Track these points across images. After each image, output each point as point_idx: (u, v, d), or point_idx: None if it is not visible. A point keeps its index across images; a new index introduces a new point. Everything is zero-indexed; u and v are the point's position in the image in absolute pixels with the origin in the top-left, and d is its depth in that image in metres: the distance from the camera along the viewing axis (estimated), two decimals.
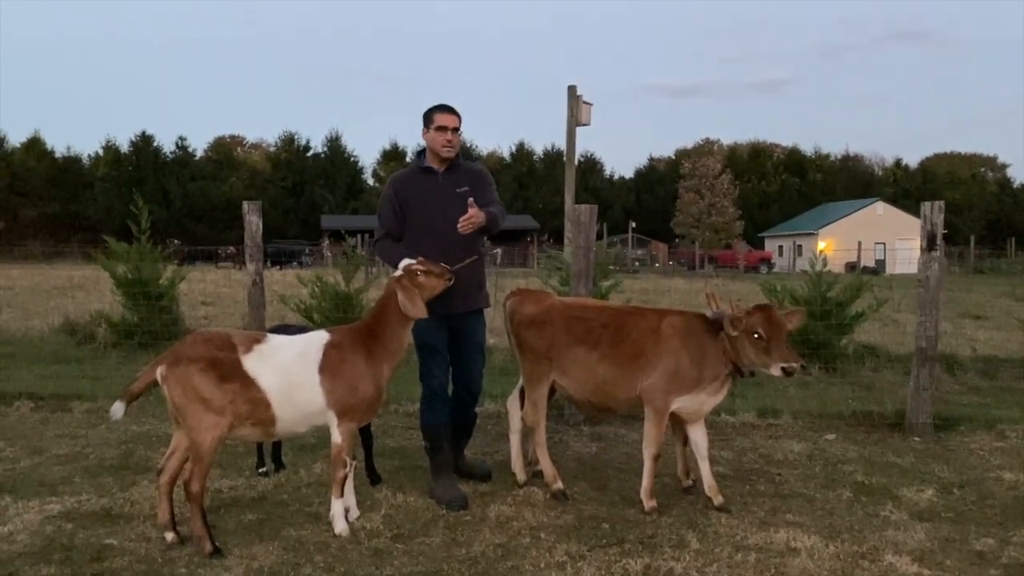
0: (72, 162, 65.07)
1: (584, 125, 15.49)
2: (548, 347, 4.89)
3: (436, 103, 4.95)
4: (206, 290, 19.91)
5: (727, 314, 4.50)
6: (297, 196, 64.74)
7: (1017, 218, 69.04)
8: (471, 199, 4.79)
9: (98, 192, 61.47)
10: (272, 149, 72.21)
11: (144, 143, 64.92)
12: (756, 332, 4.41)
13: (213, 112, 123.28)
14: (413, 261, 4.44)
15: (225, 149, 72.68)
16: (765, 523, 4.46)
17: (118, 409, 4.06)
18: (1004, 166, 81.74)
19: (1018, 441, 6.30)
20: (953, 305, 16.37)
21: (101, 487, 4.99)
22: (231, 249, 47.82)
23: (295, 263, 40.59)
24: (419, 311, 4.30)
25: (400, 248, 4.84)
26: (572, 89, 15.34)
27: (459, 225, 4.72)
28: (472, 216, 4.72)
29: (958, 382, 8.85)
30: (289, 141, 69.10)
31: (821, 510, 4.72)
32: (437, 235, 4.83)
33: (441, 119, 4.86)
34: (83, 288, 19.83)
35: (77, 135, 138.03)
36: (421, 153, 5.05)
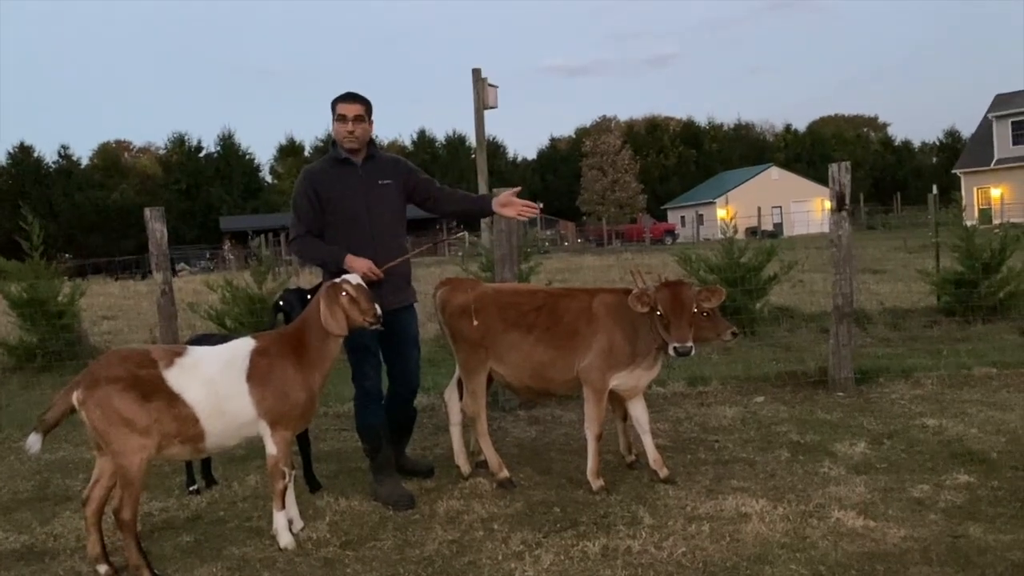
0: None
1: (491, 108, 15.38)
2: (483, 335, 4.81)
3: (342, 92, 4.69)
4: (105, 303, 19.05)
5: (633, 291, 4.48)
6: (192, 199, 62.53)
7: (900, 174, 72.59)
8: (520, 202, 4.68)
9: None
10: (162, 152, 69.48)
11: (23, 154, 61.46)
12: (658, 309, 4.41)
13: (95, 118, 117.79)
14: (351, 279, 4.17)
15: (111, 155, 69.65)
16: (712, 491, 4.51)
17: (34, 441, 3.77)
18: (885, 125, 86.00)
19: (934, 388, 6.58)
20: (854, 262, 17.04)
21: (18, 523, 4.66)
22: (127, 259, 46.09)
23: (181, 266, 39.30)
24: (339, 328, 4.07)
25: (327, 246, 4.62)
26: (477, 72, 15.20)
27: (520, 214, 4.69)
28: (530, 205, 4.68)
29: (870, 335, 9.20)
30: (179, 143, 66.56)
31: (763, 472, 4.80)
32: (363, 230, 4.63)
33: (341, 108, 4.61)
34: None
35: None
36: (335, 144, 4.79)
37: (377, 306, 4.11)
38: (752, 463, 5.00)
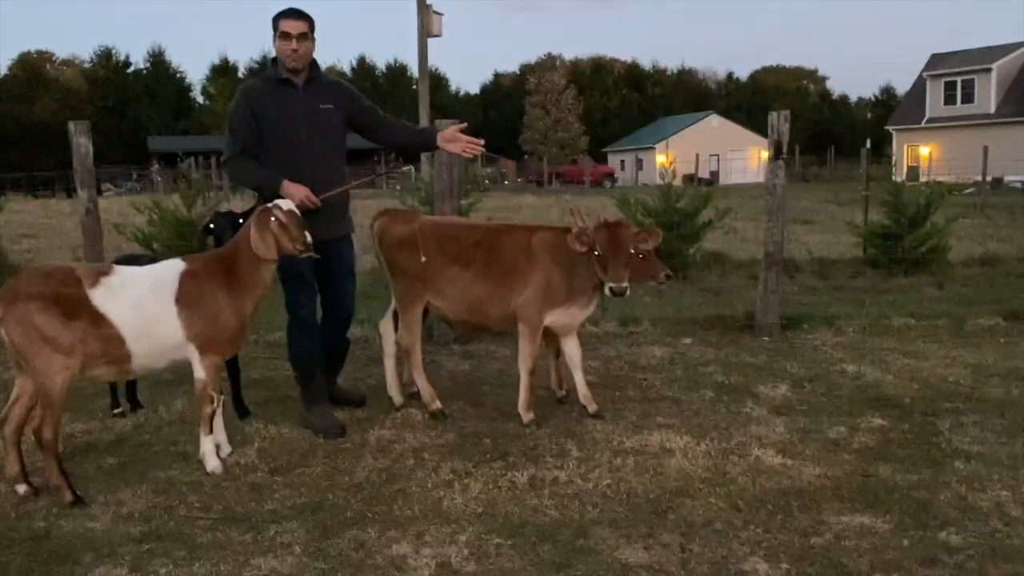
0: None
1: (436, 36, 15.05)
2: (421, 268, 4.78)
3: (284, 7, 4.47)
4: (24, 221, 18.32)
5: (573, 230, 4.50)
6: (120, 117, 60.04)
7: (836, 128, 73.91)
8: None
9: None
10: (87, 66, 66.25)
11: None
12: (596, 249, 4.44)
13: (15, 26, 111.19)
14: (283, 204, 4.04)
15: (32, 66, 66.10)
16: (638, 427, 4.63)
17: None
18: (824, 79, 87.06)
19: (855, 336, 6.82)
20: (787, 211, 17.41)
21: None
22: (47, 175, 44.20)
23: (107, 187, 37.91)
24: (268, 253, 3.98)
25: (263, 170, 4.46)
26: None
27: (465, 151, 4.64)
28: (475, 142, 4.62)
29: (797, 284, 9.46)
30: (106, 56, 63.57)
31: (688, 411, 4.94)
32: (300, 153, 4.49)
33: (285, 25, 4.39)
34: None
35: None
36: (275, 62, 4.59)
37: (308, 234, 4.01)
38: (678, 401, 5.13)
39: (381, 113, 4.85)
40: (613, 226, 4.50)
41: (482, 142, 4.72)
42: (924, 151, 42.86)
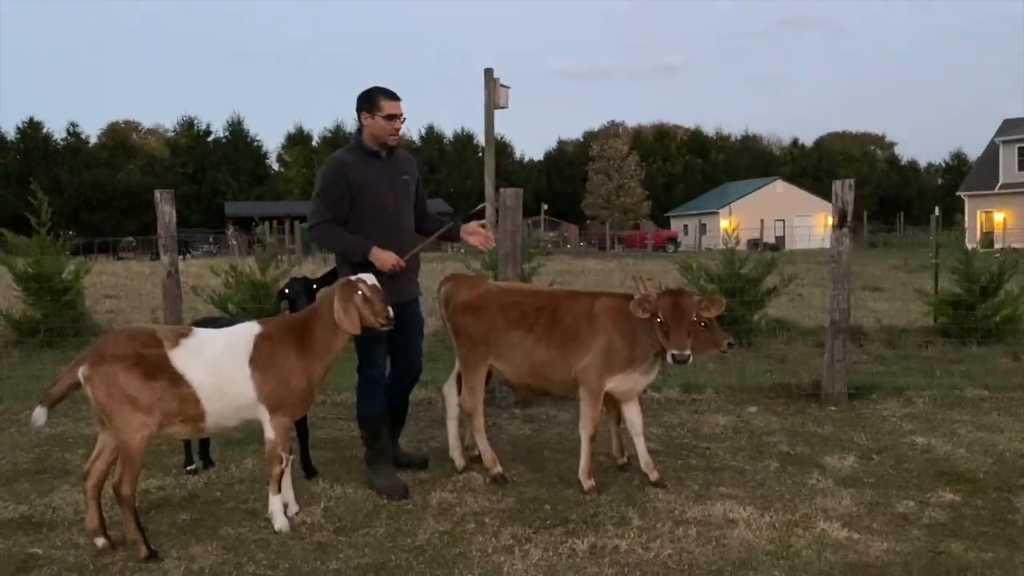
0: None
1: (502, 108, 15.42)
2: (485, 332, 4.89)
3: (374, 86, 4.77)
4: (108, 283, 19.13)
5: (635, 296, 4.55)
6: (199, 183, 62.60)
7: (905, 194, 72.65)
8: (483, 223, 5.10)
9: None
10: (171, 134, 69.54)
11: (32, 130, 61.46)
12: (658, 316, 4.47)
13: (106, 97, 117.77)
14: (366, 279, 4.23)
15: (120, 135, 69.66)
16: (701, 496, 4.59)
17: (40, 415, 3.85)
18: (892, 144, 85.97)
19: (925, 407, 6.65)
20: (853, 278, 17.14)
21: (18, 494, 4.73)
22: (131, 240, 46.14)
23: (188, 253, 39.27)
24: (352, 326, 4.15)
25: (353, 236, 4.65)
26: (489, 72, 15.23)
27: (483, 243, 5.02)
28: (490, 238, 5.10)
29: (865, 352, 9.27)
30: (188, 126, 66.66)
31: (752, 481, 4.88)
32: (388, 221, 4.75)
33: (390, 107, 4.70)
34: None
35: None
36: (358, 133, 4.84)
37: (390, 308, 4.20)
38: (742, 471, 5.07)
39: (424, 196, 5.15)
40: (675, 293, 4.54)
41: (494, 238, 5.20)
42: (998, 217, 41.79)
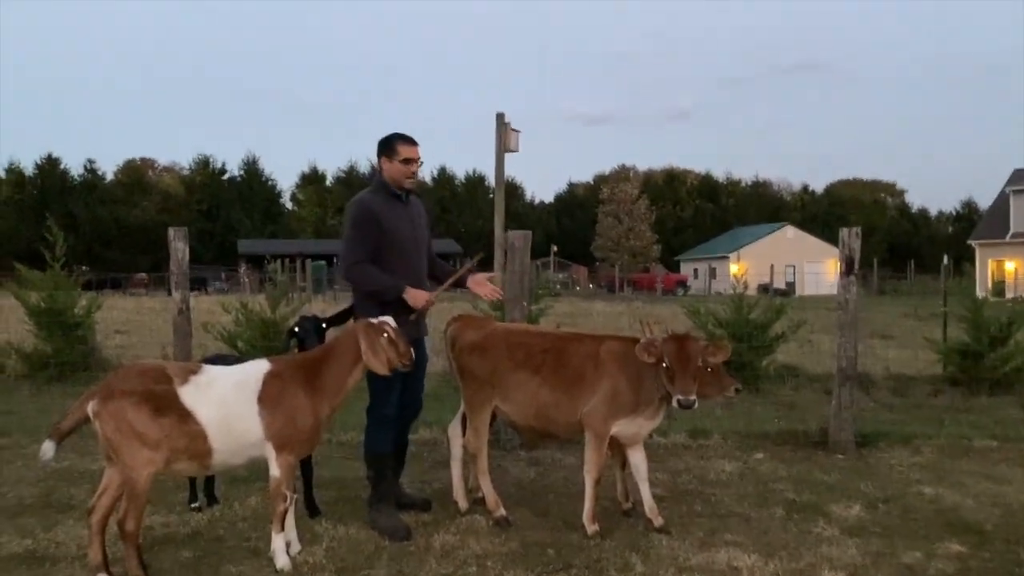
0: None
1: (512, 152, 15.63)
2: (490, 373, 4.91)
3: (394, 132, 4.96)
4: (119, 318, 19.24)
5: (641, 340, 4.58)
6: (213, 220, 63.21)
7: (915, 242, 72.61)
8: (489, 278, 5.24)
9: (1, 216, 58.65)
10: (186, 172, 70.39)
11: (50, 166, 62.38)
12: (664, 360, 4.49)
13: (123, 134, 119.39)
14: (390, 321, 4.33)
15: (136, 172, 70.55)
16: (705, 543, 4.56)
17: (48, 448, 3.89)
18: (902, 192, 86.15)
19: (933, 456, 6.60)
20: (862, 325, 17.04)
21: (22, 528, 4.75)
22: (143, 275, 46.49)
23: (200, 289, 39.42)
24: (381, 367, 4.24)
25: (386, 276, 4.77)
26: (500, 116, 15.50)
27: (489, 294, 5.13)
28: (497, 291, 5.23)
29: (873, 399, 9.23)
30: (204, 164, 67.50)
31: (757, 528, 4.84)
32: (410, 261, 4.91)
33: (407, 151, 4.87)
34: None
35: None
36: (378, 174, 5.01)
37: (412, 349, 4.32)
38: (747, 518, 5.04)
39: (431, 239, 5.31)
40: (681, 338, 4.57)
41: (501, 291, 5.29)
42: (1010, 266, 41.67)
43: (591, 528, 4.68)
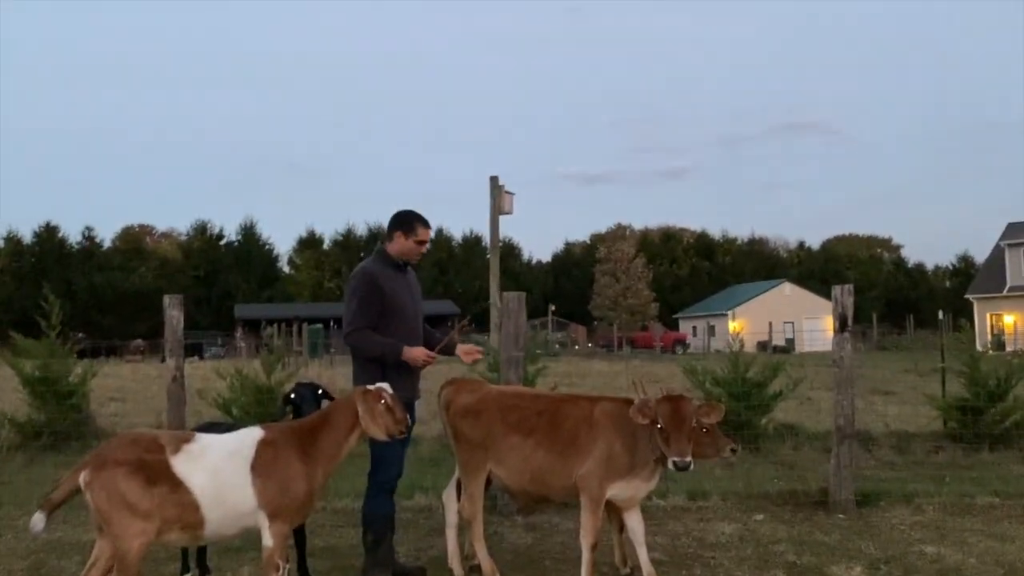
0: None
1: (507, 214, 15.83)
2: (484, 436, 4.89)
3: (413, 211, 5.20)
4: (114, 385, 19.17)
5: (635, 402, 4.58)
6: (210, 285, 63.38)
7: (913, 296, 72.79)
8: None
9: None
10: (184, 238, 70.84)
11: (48, 234, 62.84)
12: (658, 421, 4.48)
13: (121, 200, 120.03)
14: (386, 387, 4.36)
15: (134, 238, 70.99)
16: None
17: (38, 520, 3.85)
18: (898, 247, 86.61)
19: (935, 514, 6.53)
20: (862, 382, 16.99)
21: None
22: (139, 342, 46.43)
23: (197, 356, 39.29)
24: (380, 433, 4.24)
25: (385, 339, 4.93)
26: (494, 180, 15.75)
27: (470, 359, 5.27)
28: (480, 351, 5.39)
29: (873, 457, 9.16)
30: (202, 230, 67.99)
31: None
32: (409, 325, 5.10)
33: (424, 234, 5.20)
34: None
35: None
36: (383, 247, 5.20)
37: (408, 416, 4.39)
38: None
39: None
40: (675, 399, 4.56)
41: (481, 352, 5.47)
42: (1008, 320, 41.76)
43: None
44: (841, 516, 6.49)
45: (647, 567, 4.80)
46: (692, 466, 4.43)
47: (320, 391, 5.03)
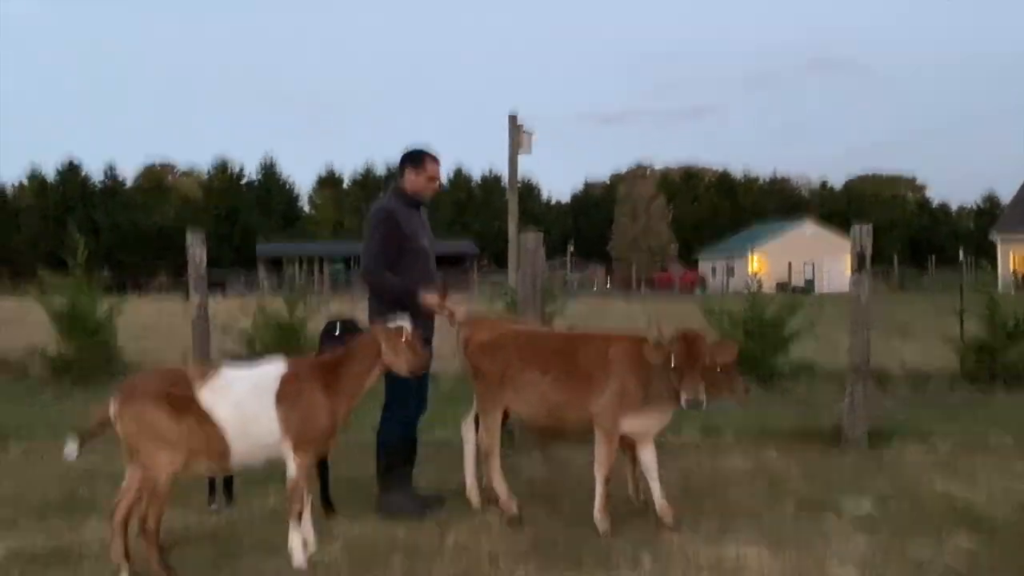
0: None
1: (525, 153, 15.73)
2: (502, 372, 4.99)
3: (421, 148, 5.22)
4: (140, 321, 19.46)
5: (649, 341, 4.63)
6: (231, 224, 63.75)
7: (936, 236, 71.95)
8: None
9: (23, 223, 59.46)
10: (205, 176, 70.98)
11: (71, 172, 63.25)
12: (672, 360, 4.54)
13: (143, 139, 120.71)
14: (407, 326, 4.44)
15: (156, 177, 71.30)
16: (715, 539, 4.61)
17: (72, 449, 4.01)
18: (923, 187, 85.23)
19: (947, 452, 6.60)
20: (880, 322, 16.96)
21: (48, 527, 4.88)
22: (163, 279, 47.00)
23: (220, 294, 39.61)
24: (403, 369, 4.38)
25: (402, 281, 5.01)
26: (513, 119, 15.60)
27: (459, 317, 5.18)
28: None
29: (889, 396, 9.21)
30: (222, 168, 68.12)
31: (767, 524, 4.88)
32: (427, 264, 5.20)
33: (433, 169, 5.22)
34: (10, 322, 19.14)
35: (0, 164, 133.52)
36: (398, 185, 5.22)
37: (429, 352, 4.53)
38: (757, 515, 5.08)
39: None
40: (689, 337, 4.62)
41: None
42: None
43: (602, 524, 4.74)
44: (853, 453, 6.58)
45: (659, 499, 4.92)
46: (705, 405, 4.51)
47: (354, 326, 5.07)
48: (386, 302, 5.02)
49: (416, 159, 5.19)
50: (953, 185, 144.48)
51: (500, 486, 5.07)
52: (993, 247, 44.69)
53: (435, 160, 5.23)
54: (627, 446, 5.06)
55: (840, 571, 4.11)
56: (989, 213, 70.78)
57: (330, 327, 5.15)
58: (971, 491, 5.51)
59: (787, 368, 10.12)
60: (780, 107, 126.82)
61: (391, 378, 4.76)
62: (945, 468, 6.12)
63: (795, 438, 7.01)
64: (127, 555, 4.11)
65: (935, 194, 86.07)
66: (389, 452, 5.12)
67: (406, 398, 5.07)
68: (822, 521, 4.92)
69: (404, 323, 4.46)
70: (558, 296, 11.00)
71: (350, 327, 5.03)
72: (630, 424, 4.80)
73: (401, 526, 4.82)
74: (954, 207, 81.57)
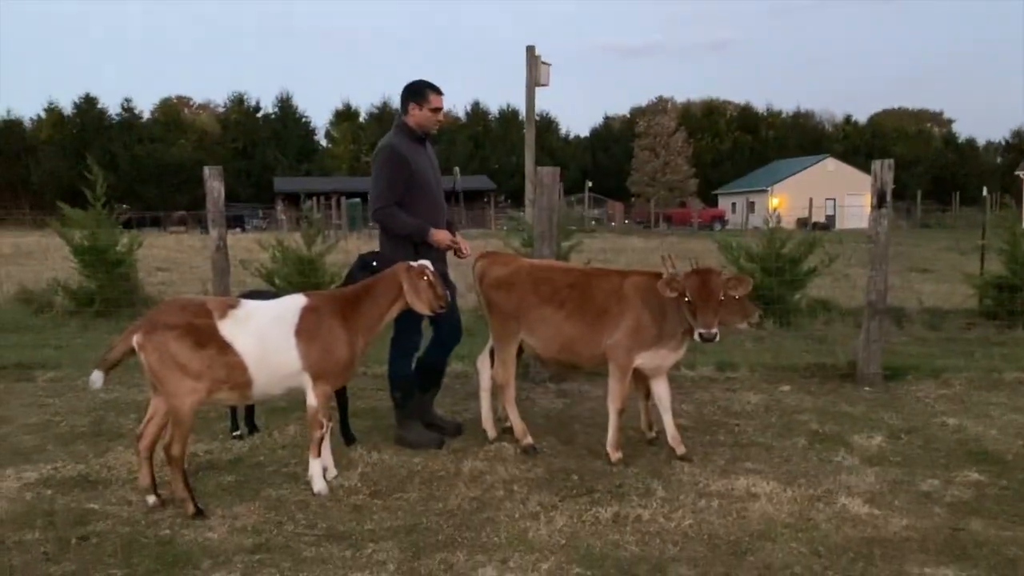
0: (13, 125, 62.84)
1: (543, 86, 15.51)
2: (517, 307, 5.03)
3: (423, 80, 5.14)
4: (159, 256, 19.69)
5: (663, 276, 4.64)
6: (249, 158, 63.62)
7: (961, 173, 70.65)
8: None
9: (41, 156, 59.64)
10: (221, 110, 70.63)
11: (88, 105, 63.06)
12: (686, 295, 4.56)
13: (159, 72, 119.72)
14: (428, 264, 4.51)
15: (172, 110, 70.86)
16: (726, 471, 4.69)
17: (97, 378, 4.10)
18: (949, 121, 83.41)
19: (961, 388, 6.63)
20: (901, 259, 16.85)
21: (76, 454, 5.03)
22: (181, 213, 47.18)
23: (239, 228, 39.80)
24: (423, 307, 4.44)
25: (413, 219, 5.00)
26: (531, 50, 15.34)
27: (466, 252, 5.16)
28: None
29: (906, 333, 9.21)
30: (239, 102, 67.64)
31: (778, 458, 4.96)
32: (434, 200, 5.15)
33: (437, 101, 5.12)
34: (32, 256, 19.44)
35: (18, 98, 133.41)
36: (403, 120, 5.15)
37: (447, 291, 4.55)
38: (769, 448, 5.15)
39: None
40: (703, 273, 4.62)
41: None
42: None
43: (614, 456, 4.83)
44: (867, 389, 6.62)
45: (672, 432, 4.99)
46: (718, 338, 4.54)
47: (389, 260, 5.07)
48: (397, 239, 5.04)
49: (419, 92, 5.11)
50: (982, 120, 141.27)
51: (515, 418, 5.16)
52: (1019, 183, 43.89)
53: (438, 92, 5.12)
54: (640, 379, 5.12)
55: (848, 502, 4.18)
56: (1017, 149, 69.38)
57: (367, 259, 5.18)
58: (982, 426, 5.56)
59: (804, 305, 10.12)
60: (805, 40, 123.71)
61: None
62: (958, 404, 6.16)
63: (810, 374, 7.06)
64: (153, 481, 4.25)
65: (962, 129, 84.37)
66: (399, 385, 5.19)
67: (413, 331, 5.14)
68: (833, 455, 4.99)
69: (425, 262, 4.52)
70: (575, 232, 10.99)
71: (385, 260, 5.07)
72: (644, 358, 4.85)
73: (418, 454, 4.95)
74: (982, 143, 79.95)
